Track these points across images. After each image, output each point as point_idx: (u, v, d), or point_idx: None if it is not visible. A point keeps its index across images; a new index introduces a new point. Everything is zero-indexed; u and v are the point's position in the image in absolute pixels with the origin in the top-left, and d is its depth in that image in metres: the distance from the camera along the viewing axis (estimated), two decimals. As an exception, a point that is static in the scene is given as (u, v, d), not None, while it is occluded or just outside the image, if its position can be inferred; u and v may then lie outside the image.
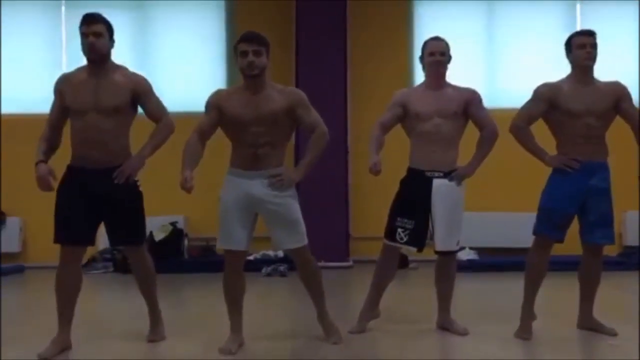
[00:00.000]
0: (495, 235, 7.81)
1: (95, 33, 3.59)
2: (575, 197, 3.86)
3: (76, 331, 3.76)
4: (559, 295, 5.22)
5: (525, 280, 4.01)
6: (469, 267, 7.05)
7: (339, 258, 7.50)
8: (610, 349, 3.73)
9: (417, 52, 4.14)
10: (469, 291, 5.78)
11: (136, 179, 3.71)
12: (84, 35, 3.60)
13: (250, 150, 3.61)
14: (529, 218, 4.05)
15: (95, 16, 3.63)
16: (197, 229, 8.00)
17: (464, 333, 4.00)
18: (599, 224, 3.88)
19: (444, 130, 3.96)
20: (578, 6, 8.40)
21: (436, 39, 4.06)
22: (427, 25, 8.10)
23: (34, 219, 7.86)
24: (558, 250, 4.06)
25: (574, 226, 3.93)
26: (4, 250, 7.83)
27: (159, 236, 7.47)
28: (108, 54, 3.68)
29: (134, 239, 3.78)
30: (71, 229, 3.59)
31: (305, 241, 3.70)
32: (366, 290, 4.24)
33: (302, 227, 3.69)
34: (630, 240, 7.87)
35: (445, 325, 4.10)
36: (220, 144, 3.86)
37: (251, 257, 7.03)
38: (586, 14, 8.30)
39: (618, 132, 4.08)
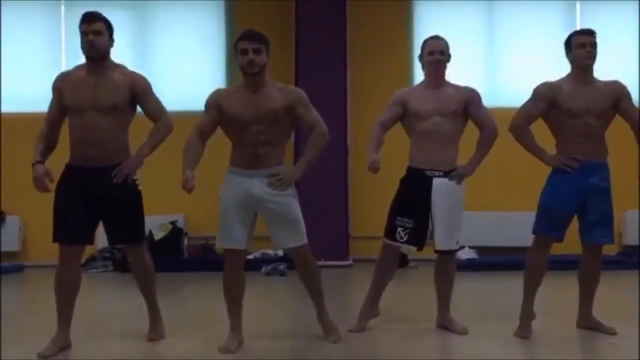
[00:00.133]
0: (494, 234, 7.82)
1: (95, 31, 3.59)
2: (574, 197, 3.86)
3: (76, 330, 3.75)
4: (558, 294, 5.22)
5: (524, 279, 4.01)
6: (469, 266, 7.05)
7: (338, 257, 7.50)
8: (610, 348, 3.73)
9: (417, 51, 4.14)
10: (468, 290, 5.78)
11: (135, 177, 3.71)
12: (83, 33, 3.61)
13: (250, 149, 3.60)
14: (529, 217, 4.05)
15: (95, 15, 3.63)
16: (196, 227, 8.00)
17: (463, 332, 4.00)
18: (599, 223, 3.88)
19: (443, 129, 3.96)
20: (578, 5, 8.41)
21: (436, 37, 4.06)
22: (426, 25, 8.09)
23: (33, 218, 7.86)
24: (558, 249, 4.07)
25: (574, 225, 3.93)
26: (3, 249, 7.83)
27: (158, 235, 7.48)
28: (107, 53, 3.68)
29: (133, 237, 3.78)
30: (70, 228, 3.59)
31: (305, 240, 3.70)
32: (366, 289, 4.24)
33: (302, 226, 3.69)
34: (630, 239, 7.88)
35: (445, 324, 4.10)
36: (220, 143, 3.86)
37: (251, 256, 7.03)
38: (586, 13, 8.31)
39: (618, 132, 4.08)
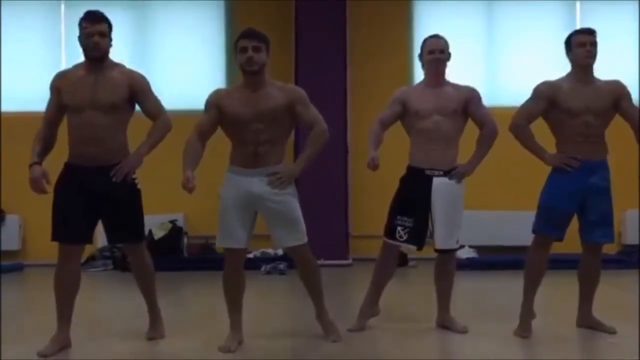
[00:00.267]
0: (494, 233, 7.82)
1: (101, 33, 3.60)
2: (574, 196, 3.86)
3: (76, 329, 3.75)
4: (558, 293, 5.22)
5: (524, 278, 4.01)
6: (469, 265, 7.05)
7: (338, 256, 7.51)
8: (610, 347, 3.73)
9: (417, 51, 4.14)
10: (468, 289, 5.78)
11: (134, 176, 3.71)
12: (88, 34, 3.58)
13: (251, 148, 3.60)
14: (529, 216, 4.05)
15: (100, 15, 3.63)
16: (196, 227, 8.00)
17: (463, 331, 4.00)
18: (599, 222, 3.88)
19: (443, 128, 3.96)
20: (578, 5, 8.41)
21: (436, 36, 4.06)
22: (426, 25, 8.10)
23: (33, 217, 7.85)
24: (557, 248, 4.06)
25: (574, 224, 3.93)
26: (3, 248, 7.84)
27: (158, 234, 7.48)
28: (108, 52, 3.68)
29: (132, 237, 3.78)
30: (69, 227, 3.59)
31: (305, 239, 3.70)
32: (366, 288, 4.24)
33: (302, 225, 3.69)
34: (630, 238, 7.89)
35: (445, 323, 4.10)
36: (220, 142, 3.86)
37: (251, 255, 7.04)
38: (586, 13, 8.31)
39: (618, 131, 4.08)
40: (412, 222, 3.96)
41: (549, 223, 3.89)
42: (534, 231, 3.96)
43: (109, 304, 5.77)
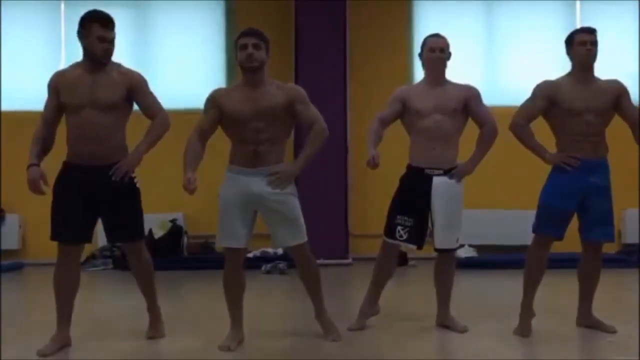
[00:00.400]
0: (494, 232, 7.82)
1: (112, 40, 3.62)
2: (574, 195, 3.86)
3: (75, 328, 3.76)
4: (558, 292, 5.22)
5: (524, 277, 4.00)
6: (468, 264, 7.04)
7: (338, 255, 7.51)
8: (610, 347, 3.73)
9: (417, 51, 4.14)
10: (468, 289, 5.78)
11: (133, 175, 3.71)
12: (100, 38, 3.58)
13: (251, 147, 3.60)
14: (529, 215, 4.05)
15: (112, 21, 3.62)
16: (196, 226, 7.99)
17: (463, 330, 4.00)
18: (599, 222, 3.88)
19: (443, 127, 3.96)
20: (578, 5, 8.41)
21: (436, 35, 4.06)
22: (426, 25, 8.09)
23: (33, 216, 7.84)
24: (557, 247, 4.06)
25: (574, 223, 3.93)
26: (3, 247, 7.82)
27: (158, 233, 7.47)
28: None
29: (132, 235, 3.78)
30: (68, 227, 3.59)
31: (305, 239, 3.70)
32: (366, 287, 4.24)
33: (302, 224, 3.69)
34: (630, 237, 7.88)
35: (445, 322, 4.10)
36: (220, 142, 3.86)
37: (250, 255, 7.04)
38: (586, 13, 8.31)
39: (618, 130, 4.08)
40: (412, 222, 3.96)
41: (549, 222, 3.88)
42: (534, 230, 3.96)
43: (109, 303, 5.77)
